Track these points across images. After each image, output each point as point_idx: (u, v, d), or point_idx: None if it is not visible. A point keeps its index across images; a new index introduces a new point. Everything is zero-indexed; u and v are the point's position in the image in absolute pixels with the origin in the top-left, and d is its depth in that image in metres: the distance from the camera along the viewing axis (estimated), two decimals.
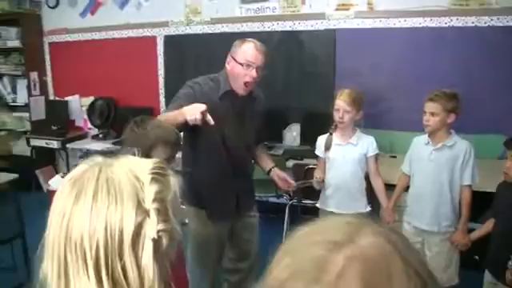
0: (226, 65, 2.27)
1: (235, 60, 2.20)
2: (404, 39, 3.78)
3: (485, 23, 3.54)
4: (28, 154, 4.98)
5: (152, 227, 0.70)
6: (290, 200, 3.84)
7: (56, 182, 3.26)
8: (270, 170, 2.57)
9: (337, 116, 2.61)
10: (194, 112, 1.93)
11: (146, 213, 0.70)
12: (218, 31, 4.39)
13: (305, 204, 3.67)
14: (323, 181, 2.76)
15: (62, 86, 5.33)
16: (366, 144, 2.69)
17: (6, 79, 5.28)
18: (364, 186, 2.74)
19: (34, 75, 5.18)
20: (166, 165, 0.80)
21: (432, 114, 2.41)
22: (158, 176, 0.75)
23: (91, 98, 4.97)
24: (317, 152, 2.84)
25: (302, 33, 4.11)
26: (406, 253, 0.44)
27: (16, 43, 5.09)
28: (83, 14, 5.01)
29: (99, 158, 0.77)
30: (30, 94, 5.11)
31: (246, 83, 2.20)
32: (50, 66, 5.38)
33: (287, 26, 4.15)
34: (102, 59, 4.97)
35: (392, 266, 0.42)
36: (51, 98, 5.36)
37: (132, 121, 1.77)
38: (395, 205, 2.73)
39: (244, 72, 2.18)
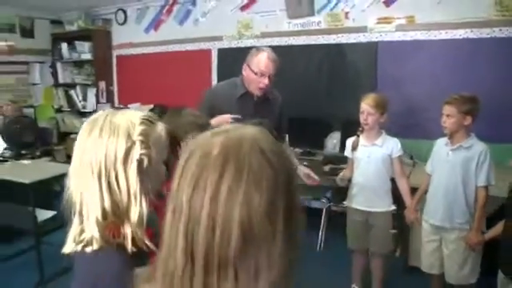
0: (243, 71, 2.55)
1: (250, 68, 2.47)
2: (445, 51, 3.86)
3: None
4: None
5: (136, 151, 1.05)
6: (329, 203, 4.02)
7: None
8: (296, 167, 2.78)
9: (362, 118, 2.80)
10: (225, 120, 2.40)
11: (133, 142, 1.05)
12: (267, 44, 4.67)
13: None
14: (349, 180, 2.94)
15: (125, 95, 5.88)
16: (390, 145, 2.84)
17: (78, 88, 5.92)
18: (389, 185, 2.88)
19: (102, 84, 5.77)
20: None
21: (448, 115, 2.53)
22: (146, 121, 1.11)
23: (150, 106, 5.42)
24: (345, 153, 3.03)
25: (346, 45, 4.31)
26: (264, 144, 0.69)
27: (88, 56, 5.72)
28: (147, 30, 5.54)
29: (109, 109, 1.15)
30: (97, 102, 5.71)
31: (260, 88, 2.48)
32: (116, 77, 5.96)
33: (331, 39, 4.37)
34: (161, 70, 5.44)
35: (244, 142, 0.68)
36: (116, 105, 5.91)
37: (171, 109, 2.08)
38: (418, 204, 2.83)
39: (258, 80, 2.47)
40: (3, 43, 5.23)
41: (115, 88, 5.99)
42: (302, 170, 2.76)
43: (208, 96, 2.66)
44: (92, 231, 1.02)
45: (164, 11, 5.36)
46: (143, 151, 1.06)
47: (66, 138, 6.01)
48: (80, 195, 1.05)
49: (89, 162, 1.04)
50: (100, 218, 1.02)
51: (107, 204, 1.03)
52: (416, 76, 4.00)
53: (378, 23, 4.11)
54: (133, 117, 1.10)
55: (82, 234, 1.05)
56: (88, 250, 1.02)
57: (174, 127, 1.97)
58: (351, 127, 4.25)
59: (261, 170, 0.66)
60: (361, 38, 4.22)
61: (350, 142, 2.99)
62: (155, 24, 5.47)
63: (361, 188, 2.90)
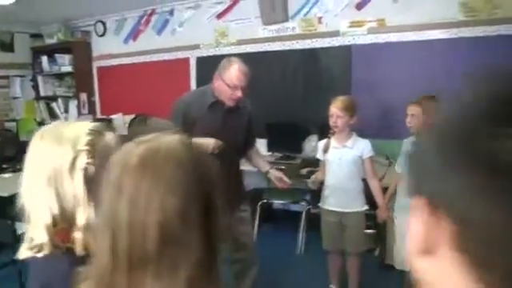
0: (214, 81, 2.58)
1: (223, 80, 2.51)
2: (415, 52, 3.95)
3: (493, 32, 3.66)
4: None
5: (82, 161, 1.10)
6: (308, 205, 4.07)
7: None
8: (268, 171, 2.84)
9: (331, 121, 2.86)
10: (210, 146, 2.44)
11: (79, 152, 1.11)
12: (244, 51, 4.75)
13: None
14: (322, 182, 3.00)
15: (107, 105, 5.91)
16: (361, 146, 2.90)
17: (60, 100, 5.94)
18: (361, 186, 2.93)
19: (83, 96, 5.80)
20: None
21: (413, 115, 2.61)
22: (93, 132, 1.16)
23: (132, 116, 5.45)
24: (317, 155, 3.08)
25: (320, 50, 4.39)
26: (180, 153, 0.77)
27: (68, 68, 5.75)
28: (126, 41, 5.59)
29: (61, 121, 1.17)
30: (79, 113, 5.72)
31: (233, 99, 2.53)
32: (97, 88, 5.99)
33: (306, 44, 4.45)
34: (142, 80, 5.48)
35: (161, 152, 0.76)
36: (98, 116, 5.93)
37: (137, 118, 2.13)
38: (389, 202, 2.89)
39: (230, 92, 2.50)
40: None
41: (97, 99, 6.02)
42: (274, 174, 2.81)
43: (180, 105, 2.69)
44: (42, 237, 1.07)
45: (142, 21, 5.42)
46: (88, 160, 1.11)
47: None
48: (31, 203, 1.10)
49: (38, 171, 1.09)
50: (50, 224, 1.08)
51: (56, 211, 1.08)
52: (389, 78, 4.08)
53: (350, 27, 4.20)
54: (81, 128, 1.16)
55: (34, 240, 1.10)
56: (39, 255, 1.07)
57: (139, 135, 2.04)
58: (328, 130, 4.35)
59: (175, 177, 0.73)
60: (334, 42, 4.30)
61: (321, 144, 3.05)
62: (134, 34, 5.52)
63: (333, 189, 2.95)
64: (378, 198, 2.92)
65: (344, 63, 4.28)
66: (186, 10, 5.05)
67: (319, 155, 3.06)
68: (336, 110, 2.84)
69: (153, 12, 5.30)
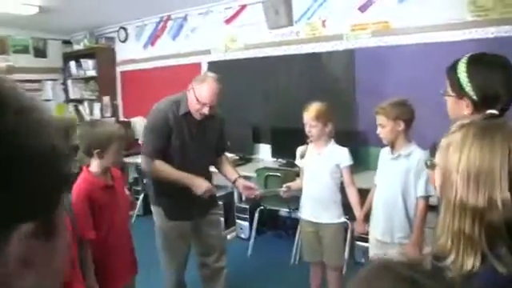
0: (188, 92, 2.56)
1: (194, 93, 2.50)
2: (422, 54, 3.73)
3: (505, 33, 3.37)
4: None
5: None
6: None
7: None
8: (236, 179, 2.78)
9: (306, 129, 2.76)
10: (201, 188, 2.50)
11: None
12: (251, 56, 4.73)
13: None
14: (300, 190, 2.90)
15: (129, 109, 6.09)
16: (339, 155, 2.77)
17: (85, 103, 6.21)
18: (338, 196, 2.80)
19: (106, 99, 6.03)
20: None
21: (380, 125, 2.44)
22: None
23: None
24: (296, 162, 2.99)
25: (324, 54, 4.26)
26: None
27: (92, 73, 6.00)
28: (145, 46, 5.74)
29: None
30: (102, 116, 5.95)
31: (200, 114, 2.51)
32: (120, 91, 6.20)
33: (310, 48, 4.34)
34: (160, 84, 5.58)
35: None
36: (120, 118, 6.13)
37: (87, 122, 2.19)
38: (366, 216, 2.72)
39: (199, 107, 2.49)
40: (4, 64, 5.57)
41: (120, 102, 6.23)
42: (241, 183, 2.77)
43: (158, 114, 2.66)
44: None
45: (159, 27, 5.54)
46: None
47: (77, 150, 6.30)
48: None
49: None
50: None
51: None
52: (394, 81, 3.87)
53: (353, 30, 4.05)
54: None
55: None
56: None
57: (96, 138, 2.12)
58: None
59: None
60: (338, 45, 4.16)
61: (299, 151, 2.95)
62: (152, 39, 5.66)
63: (308, 198, 2.85)
64: (355, 209, 2.77)
65: (348, 67, 4.12)
66: (198, 16, 5.10)
67: (297, 161, 2.97)
68: (308, 118, 2.74)
69: (168, 18, 5.41)
